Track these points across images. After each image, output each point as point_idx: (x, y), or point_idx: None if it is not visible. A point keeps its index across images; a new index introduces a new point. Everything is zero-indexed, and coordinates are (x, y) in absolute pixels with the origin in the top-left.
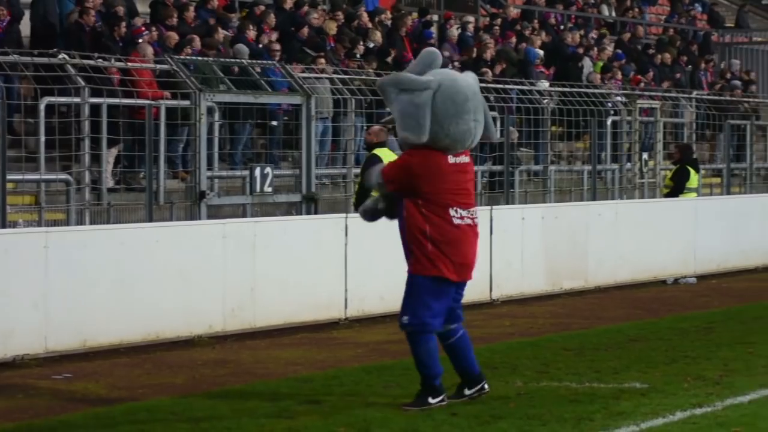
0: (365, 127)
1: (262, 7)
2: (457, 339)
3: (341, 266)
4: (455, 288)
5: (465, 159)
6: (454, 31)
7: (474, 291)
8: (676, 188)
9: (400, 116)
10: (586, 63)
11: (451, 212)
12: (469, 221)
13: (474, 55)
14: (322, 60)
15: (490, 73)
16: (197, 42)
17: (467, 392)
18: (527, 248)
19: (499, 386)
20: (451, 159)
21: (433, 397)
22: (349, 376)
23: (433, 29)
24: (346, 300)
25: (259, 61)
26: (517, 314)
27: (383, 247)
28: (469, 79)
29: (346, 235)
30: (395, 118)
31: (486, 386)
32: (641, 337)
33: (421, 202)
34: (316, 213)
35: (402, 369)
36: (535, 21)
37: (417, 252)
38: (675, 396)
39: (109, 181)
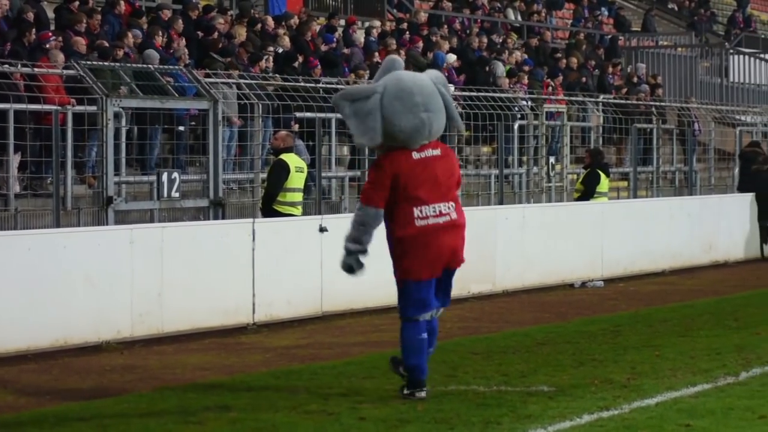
0: (272, 132)
1: (169, 13)
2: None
3: (249, 271)
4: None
5: (433, 152)
6: (359, 36)
7: (382, 295)
8: (587, 192)
9: (355, 125)
10: (499, 67)
11: (415, 212)
12: (443, 218)
13: (382, 60)
14: (235, 69)
15: None
16: (106, 47)
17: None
18: None
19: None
20: (415, 155)
21: (408, 389)
22: (257, 381)
23: (337, 34)
24: (253, 305)
25: (166, 67)
26: None
27: (291, 252)
28: (420, 75)
29: (254, 240)
30: (351, 128)
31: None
32: (549, 341)
33: (392, 205)
34: (223, 218)
35: (310, 373)
36: (445, 27)
37: (393, 256)
38: (582, 399)
39: (15, 187)
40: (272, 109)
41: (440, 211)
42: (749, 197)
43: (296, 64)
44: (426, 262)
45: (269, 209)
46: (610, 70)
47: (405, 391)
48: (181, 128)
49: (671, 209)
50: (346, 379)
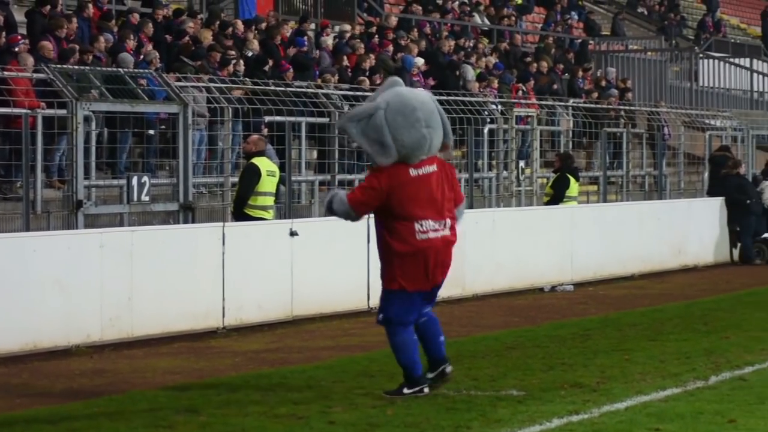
0: (243, 136)
1: (138, 16)
2: (423, 322)
3: (219, 275)
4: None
5: (430, 168)
6: (329, 40)
7: (351, 299)
8: (556, 196)
9: (368, 145)
10: (469, 71)
11: (416, 226)
12: (438, 234)
13: (351, 64)
14: (206, 73)
15: (367, 82)
16: (78, 51)
17: (429, 375)
18: None
19: (376, 394)
20: (413, 171)
21: (409, 388)
22: (226, 385)
23: (308, 38)
24: (223, 309)
25: (137, 70)
26: None
27: (261, 256)
28: (418, 91)
29: (224, 244)
30: (365, 148)
31: (447, 369)
32: (519, 345)
33: (388, 219)
34: (193, 222)
35: (280, 377)
36: (415, 30)
37: (385, 266)
38: (552, 403)
39: None
40: (242, 113)
41: (437, 227)
42: (719, 201)
43: (266, 68)
44: (422, 275)
45: (240, 213)
46: (580, 74)
47: (406, 390)
48: (151, 132)
49: (641, 213)
50: (315, 383)
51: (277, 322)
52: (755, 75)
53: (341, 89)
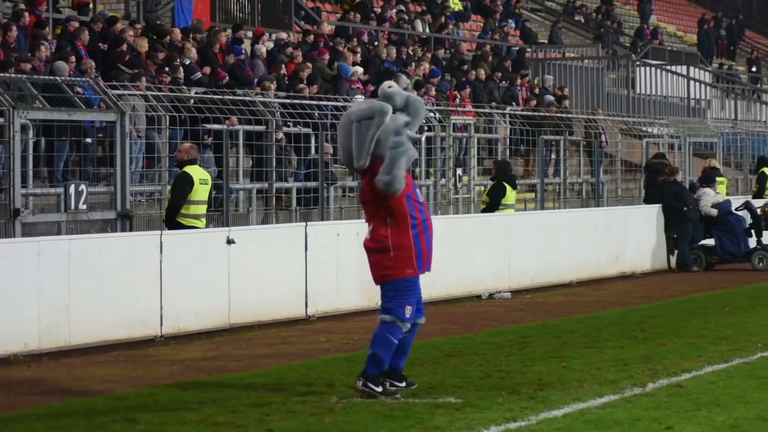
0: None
1: (76, 24)
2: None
3: (156, 283)
4: None
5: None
6: (263, 48)
7: (289, 307)
8: (492, 204)
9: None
10: (403, 80)
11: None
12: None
13: (289, 72)
14: (142, 78)
15: (307, 91)
16: (15, 60)
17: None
18: (342, 264)
19: (314, 402)
20: None
21: (375, 385)
22: (164, 393)
23: (244, 46)
24: (161, 317)
25: (73, 79)
26: (333, 330)
27: (198, 264)
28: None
29: (161, 252)
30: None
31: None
32: (456, 352)
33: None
34: (131, 230)
35: (218, 386)
36: (354, 40)
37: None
38: (489, 410)
39: None
40: (180, 121)
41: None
42: (656, 208)
43: (203, 76)
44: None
45: (173, 222)
46: (518, 82)
47: (360, 383)
48: (89, 140)
49: (578, 220)
50: (254, 392)
51: (215, 330)
52: (692, 82)
53: (279, 97)
